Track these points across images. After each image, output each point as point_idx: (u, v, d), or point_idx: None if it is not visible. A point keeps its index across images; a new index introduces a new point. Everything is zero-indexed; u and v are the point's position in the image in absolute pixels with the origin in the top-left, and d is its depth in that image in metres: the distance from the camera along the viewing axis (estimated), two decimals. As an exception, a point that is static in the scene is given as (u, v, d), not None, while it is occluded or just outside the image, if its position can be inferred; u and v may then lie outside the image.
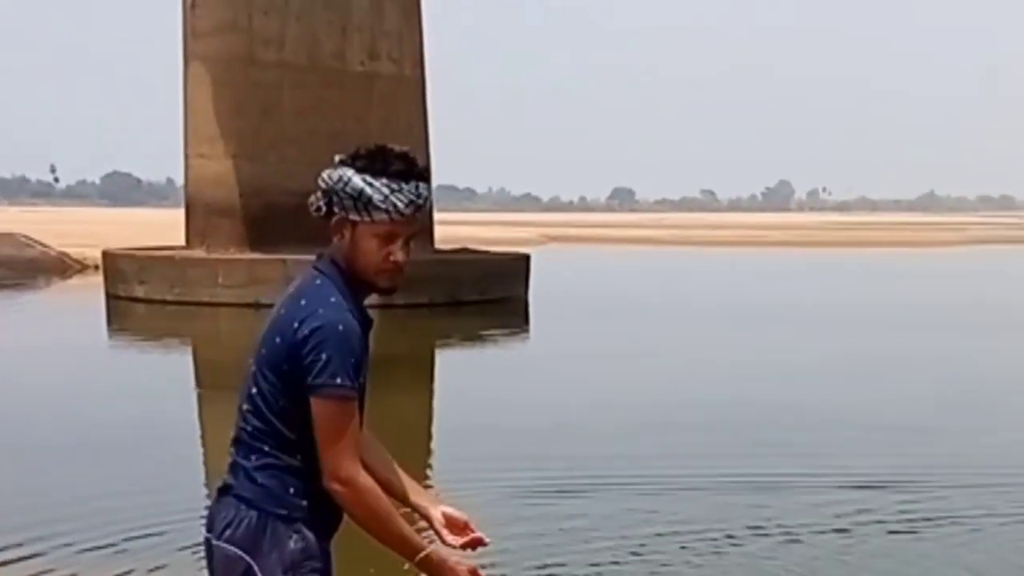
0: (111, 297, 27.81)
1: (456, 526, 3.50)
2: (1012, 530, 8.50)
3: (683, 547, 7.95)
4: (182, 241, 30.16)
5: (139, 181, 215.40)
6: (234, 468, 3.37)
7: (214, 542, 3.35)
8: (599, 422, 12.90)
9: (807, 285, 36.15)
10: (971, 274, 43.67)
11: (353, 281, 3.39)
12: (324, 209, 3.37)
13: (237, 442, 3.39)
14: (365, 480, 3.27)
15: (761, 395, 14.73)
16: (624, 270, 46.14)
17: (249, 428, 3.34)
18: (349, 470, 3.24)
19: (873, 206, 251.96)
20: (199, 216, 29.32)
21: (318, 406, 3.23)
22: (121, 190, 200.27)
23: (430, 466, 10.56)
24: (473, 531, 3.51)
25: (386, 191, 3.33)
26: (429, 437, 12.46)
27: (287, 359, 3.27)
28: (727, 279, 39.91)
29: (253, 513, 3.29)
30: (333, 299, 3.31)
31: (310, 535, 3.31)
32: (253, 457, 3.33)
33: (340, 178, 3.33)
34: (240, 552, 3.28)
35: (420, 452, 11.09)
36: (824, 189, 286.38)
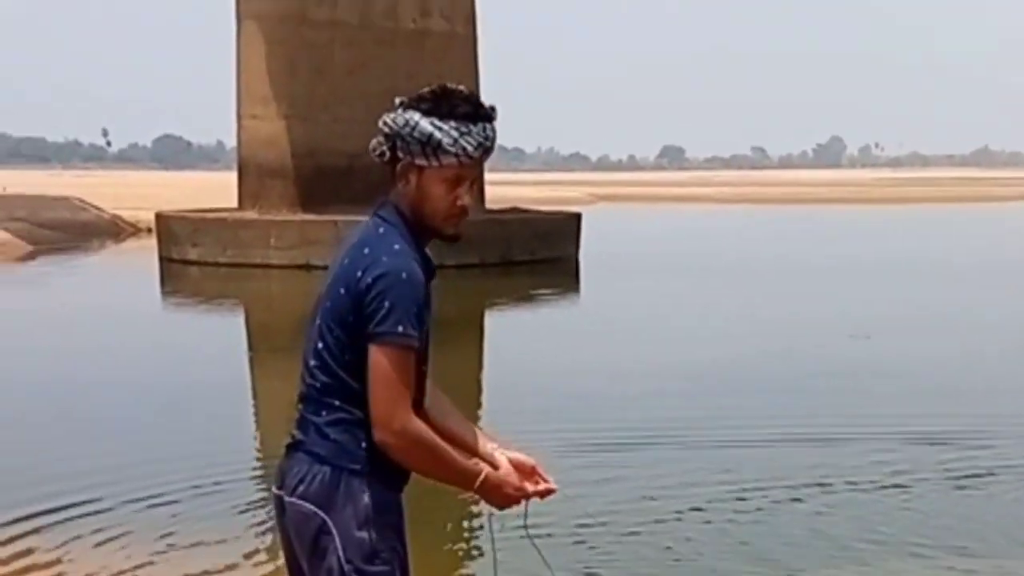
0: (164, 260, 27.93)
1: (524, 471, 3.45)
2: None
3: (741, 500, 7.96)
4: (234, 203, 30.25)
5: (189, 144, 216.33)
6: (303, 424, 3.33)
7: (286, 499, 3.31)
8: (650, 380, 12.83)
9: (860, 241, 35.77)
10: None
11: (417, 228, 3.33)
12: (388, 154, 3.31)
13: (305, 399, 3.34)
14: (417, 427, 3.22)
15: (816, 350, 14.65)
16: (674, 229, 45.83)
17: (317, 384, 3.29)
18: (402, 420, 3.19)
19: (925, 162, 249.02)
20: (251, 178, 29.36)
21: (376, 354, 3.18)
22: (172, 153, 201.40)
23: (479, 425, 10.39)
24: (541, 476, 3.47)
25: (455, 134, 3.25)
26: (479, 396, 12.45)
27: (352, 310, 3.21)
28: (778, 236, 39.56)
29: (326, 468, 3.25)
30: (397, 246, 3.25)
31: (384, 489, 3.28)
32: (323, 412, 3.28)
33: (407, 122, 3.25)
34: (314, 508, 3.24)
35: (470, 412, 10.96)
36: (876, 145, 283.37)
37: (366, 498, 3.24)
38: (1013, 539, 7.31)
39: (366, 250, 3.24)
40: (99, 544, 7.17)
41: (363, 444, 3.25)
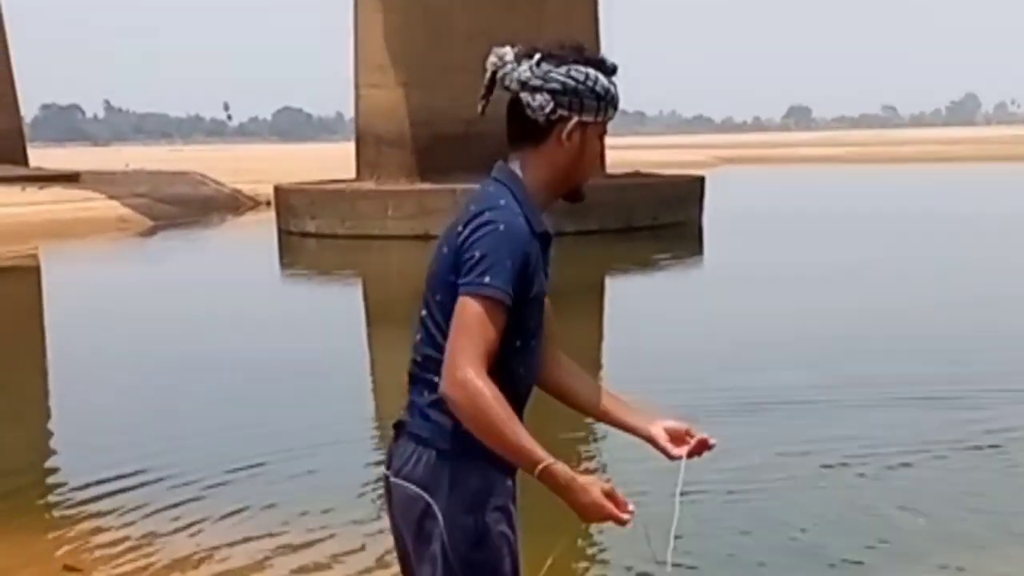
0: (283, 232, 28.02)
1: (678, 437, 3.29)
2: None
3: (865, 464, 7.85)
4: (352, 174, 30.16)
5: (309, 116, 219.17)
6: (410, 405, 3.15)
7: (392, 479, 3.16)
8: (772, 347, 12.38)
9: (996, 200, 34.53)
10: None
11: (554, 189, 3.17)
12: (555, 114, 3.08)
13: (411, 377, 3.16)
14: (480, 382, 2.93)
15: (953, 320, 14.01)
16: (801, 191, 44.92)
17: (420, 359, 3.11)
18: (466, 371, 2.93)
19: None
20: (369, 148, 29.21)
21: (462, 304, 2.97)
22: (292, 126, 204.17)
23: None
24: (694, 436, 3.29)
25: (615, 88, 3.14)
26: (600, 363, 12.11)
27: (452, 268, 3.02)
28: (909, 196, 38.43)
29: (431, 451, 3.08)
30: (503, 202, 3.05)
31: (492, 471, 3.07)
32: (426, 392, 3.09)
33: (588, 76, 3.08)
34: (419, 490, 3.08)
35: (592, 376, 10.57)
36: (1013, 102, 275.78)
37: (473, 480, 3.06)
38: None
39: (472, 207, 3.06)
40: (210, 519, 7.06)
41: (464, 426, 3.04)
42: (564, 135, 3.10)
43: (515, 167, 3.14)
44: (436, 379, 3.03)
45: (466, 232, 3.00)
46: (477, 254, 2.97)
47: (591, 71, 3.09)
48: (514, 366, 3.10)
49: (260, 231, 30.48)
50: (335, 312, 17.27)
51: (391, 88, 28.32)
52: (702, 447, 3.29)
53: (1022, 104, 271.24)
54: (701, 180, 29.56)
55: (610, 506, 2.99)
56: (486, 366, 2.95)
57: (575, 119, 3.09)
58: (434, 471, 3.07)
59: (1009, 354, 11.57)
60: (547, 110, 3.07)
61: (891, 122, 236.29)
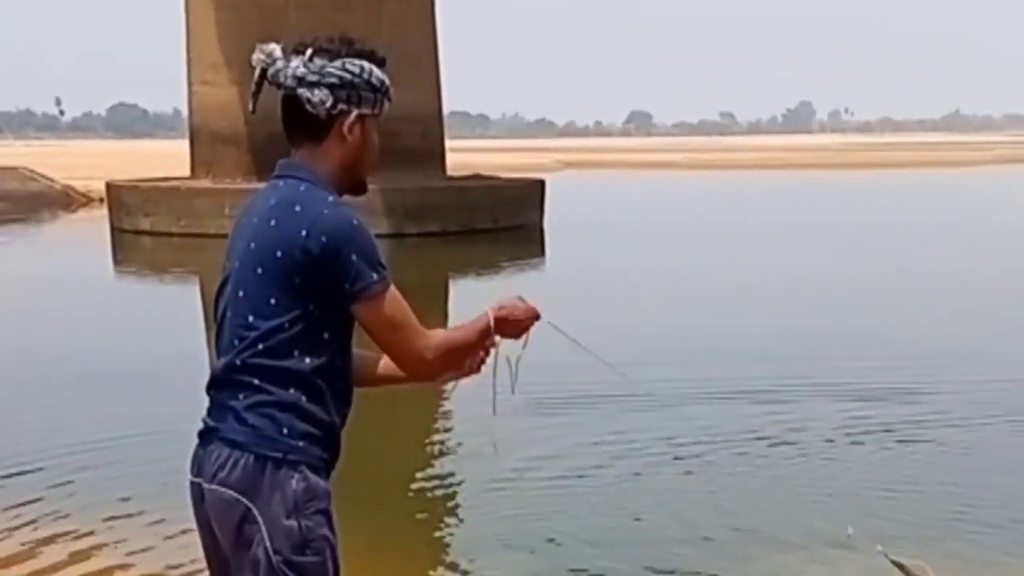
0: (116, 230, 27.43)
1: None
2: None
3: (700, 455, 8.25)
4: (188, 172, 29.54)
5: (145, 112, 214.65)
6: (219, 409, 3.08)
7: (206, 486, 3.06)
8: (611, 346, 12.28)
9: (826, 207, 35.36)
10: (998, 194, 42.84)
11: (341, 183, 3.16)
12: (335, 109, 3.09)
13: (218, 382, 3.09)
14: (437, 342, 3.12)
15: (772, 316, 14.66)
16: (642, 196, 45.46)
17: (238, 362, 3.03)
18: (424, 348, 3.09)
19: (897, 126, 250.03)
20: (204, 145, 28.73)
21: (368, 309, 3.02)
22: (127, 122, 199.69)
23: (445, 396, 10.11)
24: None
25: (388, 81, 3.18)
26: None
27: (299, 272, 2.98)
28: (746, 202, 39.19)
29: (248, 455, 3.01)
30: (331, 198, 3.04)
31: (311, 474, 3.04)
32: (241, 395, 3.03)
33: (363, 69, 3.10)
34: (236, 495, 3.01)
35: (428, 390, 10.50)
36: (846, 110, 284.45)
37: (293, 483, 3.01)
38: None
39: (297, 208, 3.00)
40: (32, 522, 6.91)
41: (284, 430, 3.01)
42: (346, 129, 3.11)
43: (305, 163, 3.12)
44: (256, 381, 3.01)
45: (323, 239, 2.96)
46: (353, 258, 2.97)
47: (365, 63, 3.11)
48: (344, 362, 3.12)
49: (92, 228, 29.90)
50: (169, 311, 16.88)
51: (225, 86, 27.77)
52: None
53: (855, 112, 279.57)
54: (542, 184, 29.63)
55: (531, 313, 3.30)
56: (425, 331, 3.09)
57: (355, 112, 3.10)
58: (252, 475, 3.00)
59: (800, 350, 12.31)
60: (327, 105, 3.07)
61: (729, 129, 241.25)
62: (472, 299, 18.00)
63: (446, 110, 31.39)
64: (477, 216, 26.50)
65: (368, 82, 3.11)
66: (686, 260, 21.40)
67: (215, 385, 3.11)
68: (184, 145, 31.53)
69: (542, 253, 24.86)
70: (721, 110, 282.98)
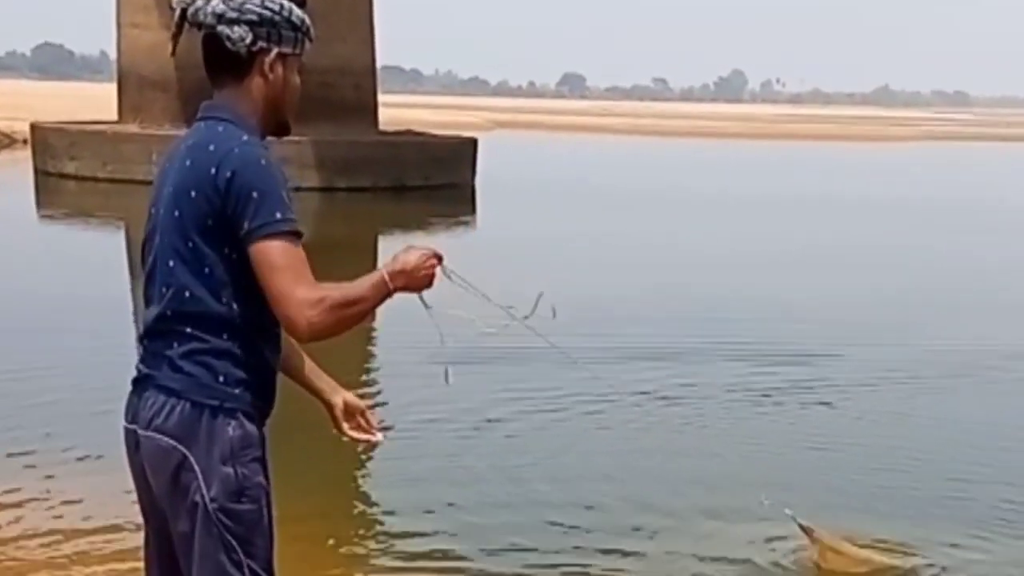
0: (40, 173, 26.94)
1: (352, 414, 3.39)
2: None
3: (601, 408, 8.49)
4: (115, 116, 29.04)
5: (72, 53, 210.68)
6: (154, 358, 3.03)
7: (141, 432, 3.03)
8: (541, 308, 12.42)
9: (752, 177, 35.59)
10: (921, 170, 43.36)
11: (265, 123, 3.12)
12: (255, 46, 3.04)
13: (151, 333, 3.04)
14: (318, 292, 2.91)
15: (692, 279, 14.94)
16: (574, 158, 45.44)
17: (168, 312, 2.99)
18: (302, 296, 2.89)
19: (827, 99, 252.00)
20: (132, 89, 28.26)
21: (262, 250, 2.89)
22: (53, 62, 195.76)
23: (372, 353, 10.32)
24: (368, 422, 3.41)
25: (308, 21, 3.13)
26: (371, 325, 11.87)
27: (212, 213, 2.92)
28: (676, 168, 39.35)
29: (184, 402, 2.99)
30: (245, 137, 2.98)
31: (247, 423, 3.03)
32: (175, 344, 3.00)
33: (283, 6, 3.05)
34: (173, 442, 2.99)
35: (360, 338, 10.61)
36: (778, 80, 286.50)
37: (230, 431, 2.99)
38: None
39: (211, 147, 2.95)
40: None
41: (220, 378, 2.99)
42: (267, 67, 3.07)
43: (228, 104, 3.06)
44: (188, 329, 2.97)
45: (228, 174, 2.89)
46: (255, 194, 2.88)
47: (285, 2, 3.07)
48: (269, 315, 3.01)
49: (15, 171, 29.36)
50: (94, 256, 16.61)
51: (155, 29, 27.20)
52: (367, 440, 3.43)
53: (787, 83, 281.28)
54: (474, 142, 29.44)
55: (428, 259, 3.08)
56: (315, 284, 2.92)
57: (275, 50, 3.07)
58: (189, 422, 2.98)
59: (712, 314, 12.63)
60: (247, 41, 3.03)
61: (662, 95, 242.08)
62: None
63: (379, 64, 31.08)
64: (408, 173, 26.30)
65: (288, 20, 3.07)
66: (615, 223, 21.41)
67: (148, 335, 3.06)
68: (111, 88, 31.00)
69: (473, 212, 24.75)
70: (654, 76, 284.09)
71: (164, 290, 3.00)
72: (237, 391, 3.01)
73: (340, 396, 3.37)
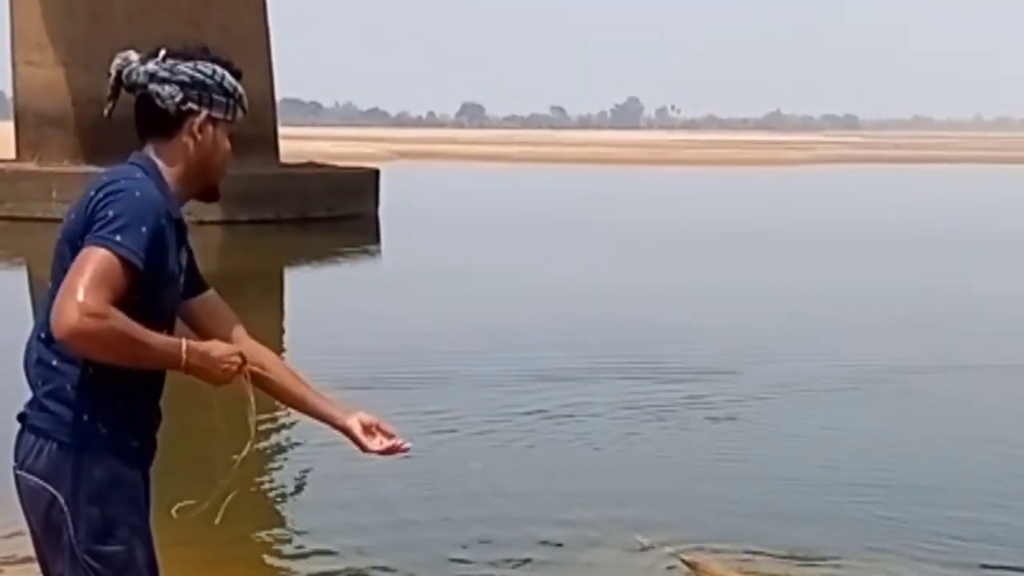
0: (-63, 213, 26.37)
1: (371, 431, 3.29)
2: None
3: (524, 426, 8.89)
4: (12, 154, 28.74)
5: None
6: (31, 395, 3.02)
7: (18, 472, 3.02)
8: (449, 335, 12.88)
9: (650, 203, 36.08)
10: (819, 193, 44.16)
11: (191, 183, 3.13)
12: (185, 106, 3.08)
13: (27, 365, 3.03)
14: (109, 307, 2.77)
15: (592, 308, 15.03)
16: (473, 187, 45.68)
17: (41, 335, 2.96)
18: (89, 298, 2.74)
19: (721, 124, 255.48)
20: (30, 127, 27.95)
21: (83, 254, 2.80)
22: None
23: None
24: (385, 431, 3.30)
25: (241, 90, 3.17)
26: (284, 353, 11.94)
27: (81, 234, 2.88)
28: (576, 196, 39.63)
29: (52, 443, 2.95)
30: (139, 175, 2.98)
31: (117, 462, 2.98)
32: (40, 382, 2.98)
33: (215, 72, 3.11)
34: (42, 482, 2.96)
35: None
36: (673, 107, 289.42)
37: (97, 471, 2.95)
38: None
39: (104, 178, 2.95)
40: None
41: (84, 417, 2.94)
42: (196, 128, 3.09)
43: (148, 156, 3.08)
44: (54, 362, 2.93)
45: (99, 196, 2.88)
46: (111, 213, 2.84)
47: (218, 68, 3.12)
48: None
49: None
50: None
51: (51, 67, 27.14)
52: (395, 449, 3.30)
53: (682, 110, 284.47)
54: (376, 173, 29.57)
55: (232, 356, 3.00)
56: (106, 301, 2.77)
57: (205, 112, 3.09)
58: (56, 462, 2.95)
59: (602, 337, 12.97)
60: (177, 99, 3.06)
61: (559, 123, 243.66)
62: (308, 288, 17.97)
63: (279, 96, 31.11)
64: (312, 204, 26.37)
65: (220, 85, 3.11)
66: (515, 253, 21.62)
67: (26, 368, 3.04)
68: (8, 127, 30.65)
69: (378, 242, 24.86)
70: (552, 104, 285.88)
71: (39, 325, 2.98)
72: (104, 431, 2.96)
73: (354, 418, 3.28)
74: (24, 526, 3.12)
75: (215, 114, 3.11)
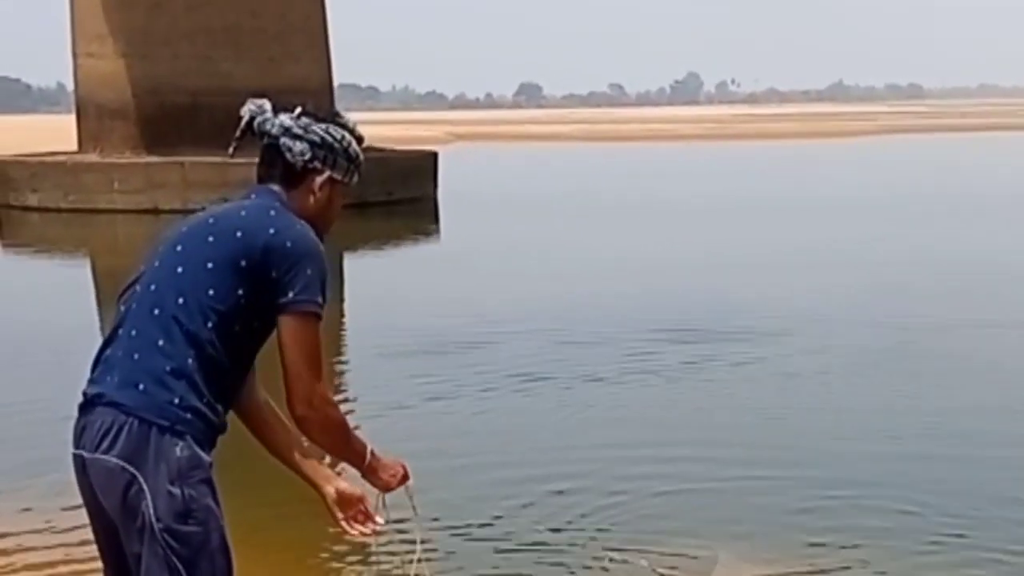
0: (2, 207, 26.80)
1: (349, 503, 3.37)
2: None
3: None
4: (75, 147, 29.03)
5: (28, 87, 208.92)
6: (106, 371, 3.09)
7: (87, 456, 3.06)
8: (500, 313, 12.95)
9: (713, 178, 35.78)
10: (888, 163, 43.68)
11: None
12: (312, 164, 3.28)
13: (114, 341, 3.12)
14: (333, 402, 3.24)
15: (660, 285, 14.98)
16: (533, 167, 45.52)
17: (155, 311, 3.08)
18: (323, 396, 3.16)
19: (782, 97, 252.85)
20: (91, 119, 28.21)
21: (296, 323, 3.10)
22: (9, 96, 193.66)
23: (345, 378, 10.27)
24: (366, 507, 3.39)
25: (362, 157, 3.39)
26: (343, 343, 11.98)
27: (248, 257, 3.09)
28: (636, 174, 39.44)
29: (133, 420, 3.02)
30: (301, 225, 3.19)
31: (195, 445, 3.06)
32: (135, 355, 3.06)
33: (343, 138, 3.31)
34: (121, 463, 3.01)
35: (331, 360, 10.56)
36: (733, 81, 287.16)
37: (178, 451, 3.03)
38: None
39: (272, 212, 3.17)
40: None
41: (176, 400, 3.03)
42: (317, 186, 3.28)
43: (285, 200, 3.26)
44: (162, 343, 3.04)
45: (288, 243, 3.09)
46: (309, 272, 3.09)
47: (346, 134, 3.31)
48: (238, 367, 3.19)
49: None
50: (62, 287, 16.56)
51: (111, 58, 27.36)
52: (365, 533, 3.40)
53: (742, 83, 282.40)
54: (434, 155, 29.57)
55: (398, 476, 3.41)
56: (326, 386, 3.19)
57: (328, 173, 3.29)
58: (137, 442, 3.01)
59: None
60: (306, 157, 3.25)
61: (618, 100, 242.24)
62: (367, 275, 17.99)
63: (336, 82, 31.18)
64: (370, 189, 26.32)
65: (346, 150, 3.31)
66: (577, 233, 21.48)
67: (108, 344, 3.15)
68: (70, 119, 30.96)
69: (437, 226, 24.84)
70: (610, 82, 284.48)
71: (152, 288, 3.11)
72: (188, 416, 3.05)
73: (332, 485, 3.37)
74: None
75: (336, 176, 3.30)
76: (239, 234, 3.11)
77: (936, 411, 8.70)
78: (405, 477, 3.41)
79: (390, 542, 4.78)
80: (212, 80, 24.94)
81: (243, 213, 3.17)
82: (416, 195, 27.47)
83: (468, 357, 10.66)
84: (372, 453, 3.33)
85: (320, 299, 3.12)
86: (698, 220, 23.22)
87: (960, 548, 6.05)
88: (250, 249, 3.09)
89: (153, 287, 3.12)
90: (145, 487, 3.00)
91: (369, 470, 3.34)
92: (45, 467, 7.10)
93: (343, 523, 3.37)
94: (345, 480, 3.39)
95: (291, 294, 3.09)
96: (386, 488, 3.39)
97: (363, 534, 3.39)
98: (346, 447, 3.29)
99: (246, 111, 3.30)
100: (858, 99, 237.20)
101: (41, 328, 12.62)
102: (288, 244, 3.10)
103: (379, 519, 3.41)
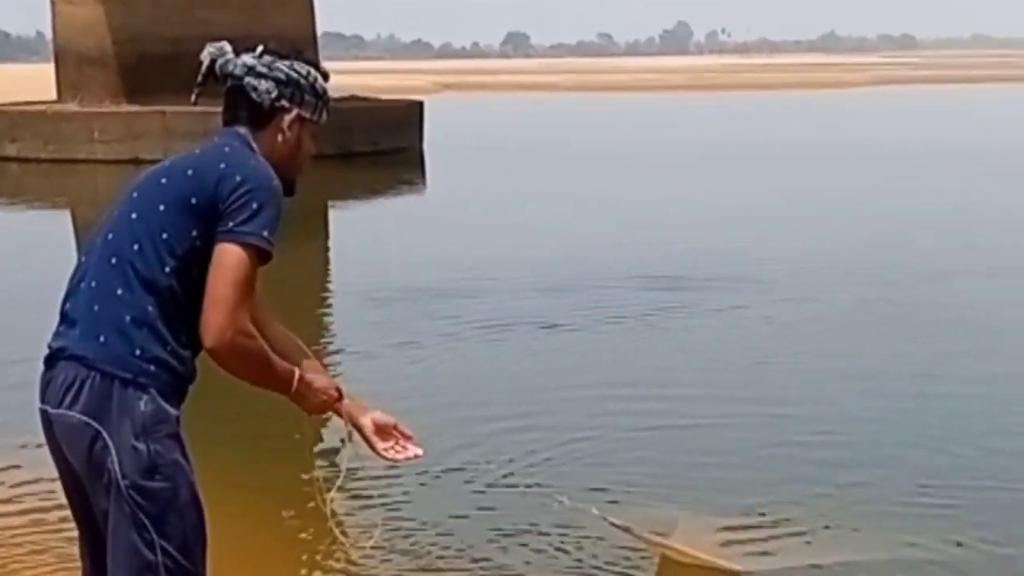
0: (-20, 157, 26.39)
1: (385, 431, 3.33)
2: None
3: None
4: (54, 96, 28.63)
5: (7, 35, 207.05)
6: (68, 323, 3.04)
7: (52, 412, 3.01)
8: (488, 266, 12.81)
9: (701, 128, 35.55)
10: (878, 114, 43.51)
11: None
12: (279, 102, 3.21)
13: (75, 294, 3.05)
14: (252, 332, 3.03)
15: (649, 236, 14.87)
16: (520, 117, 45.25)
17: (112, 260, 3.01)
18: (241, 326, 2.98)
19: (774, 47, 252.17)
20: (70, 67, 27.79)
21: (232, 254, 2.96)
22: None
23: (327, 327, 10.28)
24: (403, 434, 3.35)
25: (329, 94, 3.32)
26: (326, 296, 12.05)
27: (201, 194, 2.99)
28: (626, 123, 39.23)
29: (95, 374, 2.96)
30: (260, 158, 3.13)
31: (159, 399, 3.00)
32: (96, 307, 2.99)
33: (309, 73, 3.25)
34: (85, 418, 2.96)
35: (315, 310, 10.79)
36: (723, 31, 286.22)
37: (142, 405, 2.97)
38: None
39: (227, 149, 3.10)
40: None
41: (137, 351, 2.96)
42: (285, 125, 3.21)
43: (250, 141, 3.18)
44: (120, 291, 2.97)
45: (238, 177, 3.00)
46: (255, 205, 2.98)
47: (312, 70, 3.25)
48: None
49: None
50: (44, 238, 16.41)
51: (90, 5, 26.92)
52: (413, 457, 3.37)
53: (732, 33, 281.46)
54: (420, 105, 29.18)
55: (332, 398, 3.23)
56: (248, 320, 3.02)
57: (296, 111, 3.22)
58: (99, 397, 2.96)
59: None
60: (272, 95, 3.18)
61: (607, 50, 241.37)
62: (352, 225, 17.77)
63: (320, 31, 30.79)
64: (355, 139, 25.99)
65: (312, 86, 3.24)
66: (564, 183, 21.27)
67: (69, 298, 3.07)
68: (49, 68, 30.52)
69: (422, 176, 24.58)
70: (599, 31, 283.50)
71: (109, 236, 3.03)
72: (152, 368, 2.98)
73: (368, 416, 3.33)
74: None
75: (304, 113, 3.23)
76: (190, 172, 3.04)
77: (915, 356, 8.73)
78: (340, 398, 3.25)
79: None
80: (193, 28, 24.25)
81: (197, 152, 3.13)
82: (402, 145, 27.11)
83: (444, 305, 10.63)
84: (300, 379, 3.15)
85: (265, 234, 2.99)
86: (689, 171, 23.01)
87: (937, 494, 5.91)
88: (201, 186, 3.00)
89: (111, 236, 3.04)
90: (110, 442, 2.95)
91: (297, 395, 3.16)
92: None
93: (383, 452, 3.33)
94: (378, 410, 3.35)
95: (230, 224, 2.97)
96: (319, 410, 3.24)
97: (408, 460, 3.36)
98: (268, 375, 3.10)
99: (206, 54, 3.21)
100: (850, 49, 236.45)
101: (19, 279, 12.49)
102: (238, 177, 3.00)
103: (418, 449, 3.36)
